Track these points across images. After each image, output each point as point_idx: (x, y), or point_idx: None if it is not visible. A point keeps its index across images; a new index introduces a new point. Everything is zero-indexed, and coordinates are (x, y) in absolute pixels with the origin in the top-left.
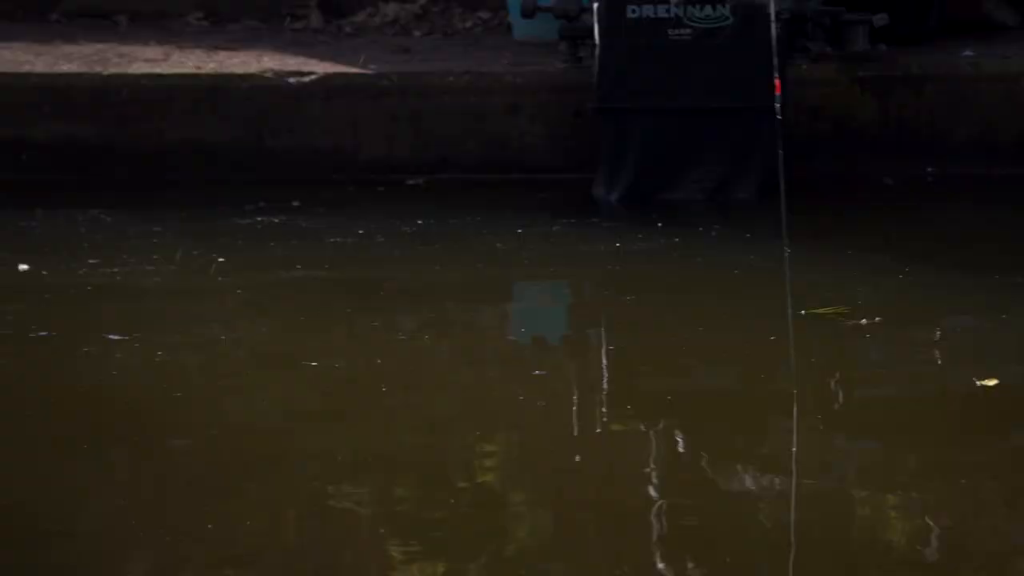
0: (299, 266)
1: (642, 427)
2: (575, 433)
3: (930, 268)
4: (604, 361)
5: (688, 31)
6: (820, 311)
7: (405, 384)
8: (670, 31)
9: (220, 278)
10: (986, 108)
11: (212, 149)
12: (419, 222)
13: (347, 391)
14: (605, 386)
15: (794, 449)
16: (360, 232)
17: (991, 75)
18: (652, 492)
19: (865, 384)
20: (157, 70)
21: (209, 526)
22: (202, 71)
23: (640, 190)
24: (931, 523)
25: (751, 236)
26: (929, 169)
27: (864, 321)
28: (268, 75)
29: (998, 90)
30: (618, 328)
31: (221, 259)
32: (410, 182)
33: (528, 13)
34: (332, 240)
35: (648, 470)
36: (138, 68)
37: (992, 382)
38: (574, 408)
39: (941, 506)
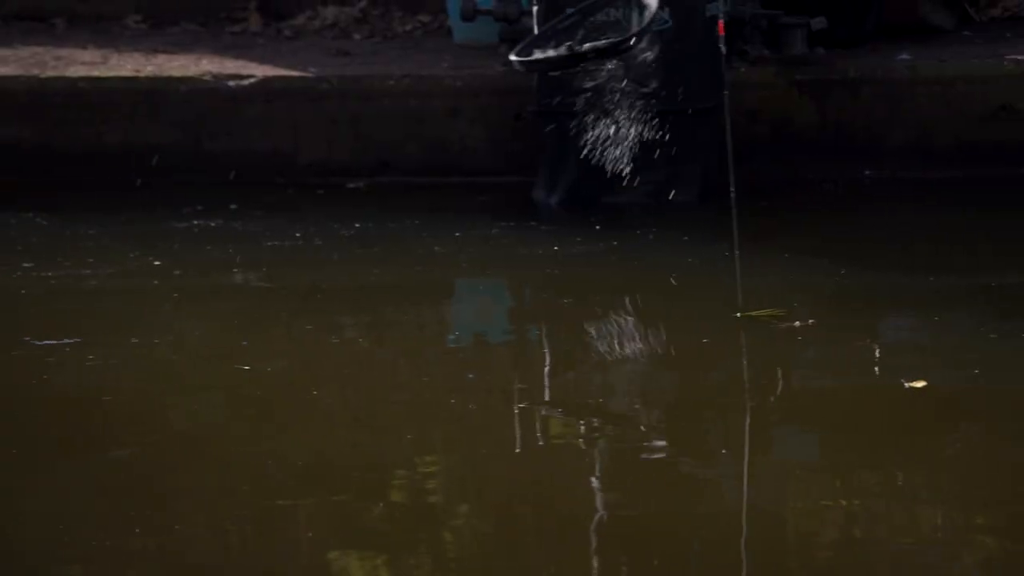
0: (236, 269)
1: (577, 429)
2: (511, 436)
3: (866, 270)
4: (541, 364)
5: None
6: (755, 314)
7: (342, 387)
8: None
9: (156, 281)
10: (922, 111)
11: (150, 152)
12: (357, 225)
13: (284, 395)
14: (541, 389)
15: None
16: (298, 235)
17: (927, 78)
18: (587, 494)
19: (793, 386)
20: (95, 73)
21: (141, 531)
22: (140, 74)
23: (580, 193)
24: (858, 527)
25: (689, 239)
26: (866, 172)
27: (797, 323)
28: (207, 78)
29: (934, 93)
30: (556, 331)
31: (157, 262)
32: (350, 185)
33: (468, 16)
34: (270, 243)
35: (582, 473)
36: (76, 71)
37: (920, 384)
38: (510, 411)
39: (867, 510)
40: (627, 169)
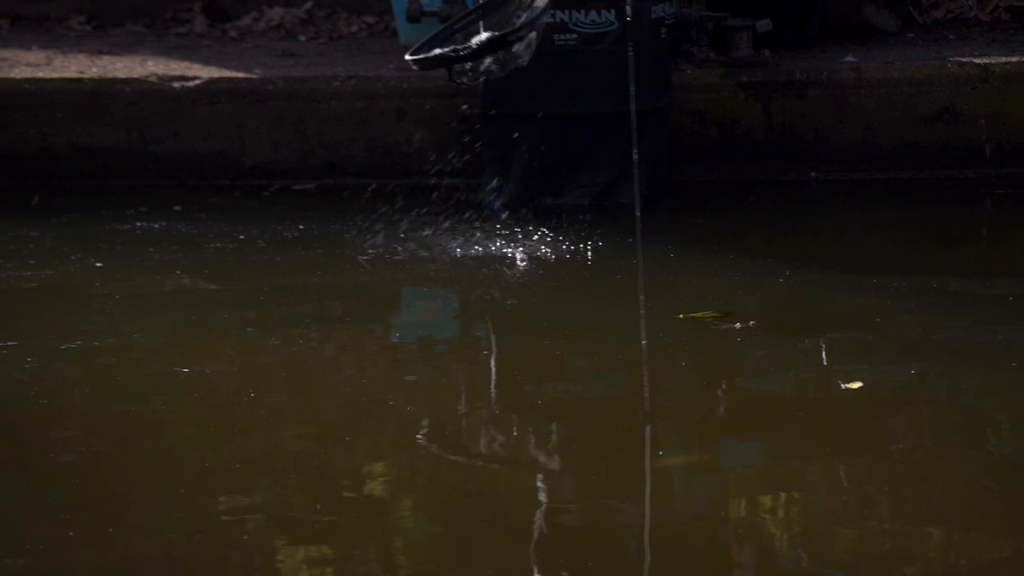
0: (179, 271)
1: (516, 431)
2: (453, 437)
3: (810, 271)
4: (483, 365)
5: (573, 36)
6: (697, 315)
7: (283, 389)
8: (555, 36)
9: (98, 283)
10: (867, 113)
11: (96, 154)
12: (301, 227)
13: (225, 396)
14: (483, 390)
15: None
16: (241, 237)
17: (872, 80)
18: (526, 496)
19: (728, 387)
20: (39, 74)
21: (82, 533)
22: (85, 75)
23: (526, 195)
24: (794, 526)
25: (633, 240)
26: (812, 174)
27: (738, 325)
28: (152, 80)
29: (879, 95)
30: (499, 332)
31: (99, 264)
32: (297, 187)
33: (414, 18)
34: (213, 245)
35: (521, 474)
36: (20, 72)
37: (856, 385)
38: (452, 412)
39: (802, 509)
40: (573, 171)
